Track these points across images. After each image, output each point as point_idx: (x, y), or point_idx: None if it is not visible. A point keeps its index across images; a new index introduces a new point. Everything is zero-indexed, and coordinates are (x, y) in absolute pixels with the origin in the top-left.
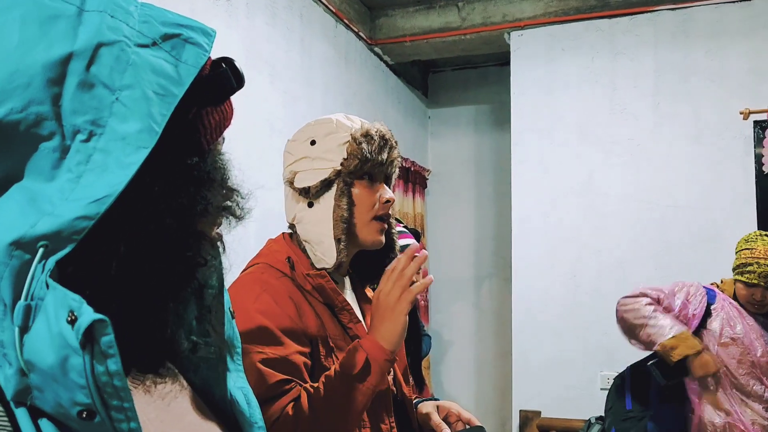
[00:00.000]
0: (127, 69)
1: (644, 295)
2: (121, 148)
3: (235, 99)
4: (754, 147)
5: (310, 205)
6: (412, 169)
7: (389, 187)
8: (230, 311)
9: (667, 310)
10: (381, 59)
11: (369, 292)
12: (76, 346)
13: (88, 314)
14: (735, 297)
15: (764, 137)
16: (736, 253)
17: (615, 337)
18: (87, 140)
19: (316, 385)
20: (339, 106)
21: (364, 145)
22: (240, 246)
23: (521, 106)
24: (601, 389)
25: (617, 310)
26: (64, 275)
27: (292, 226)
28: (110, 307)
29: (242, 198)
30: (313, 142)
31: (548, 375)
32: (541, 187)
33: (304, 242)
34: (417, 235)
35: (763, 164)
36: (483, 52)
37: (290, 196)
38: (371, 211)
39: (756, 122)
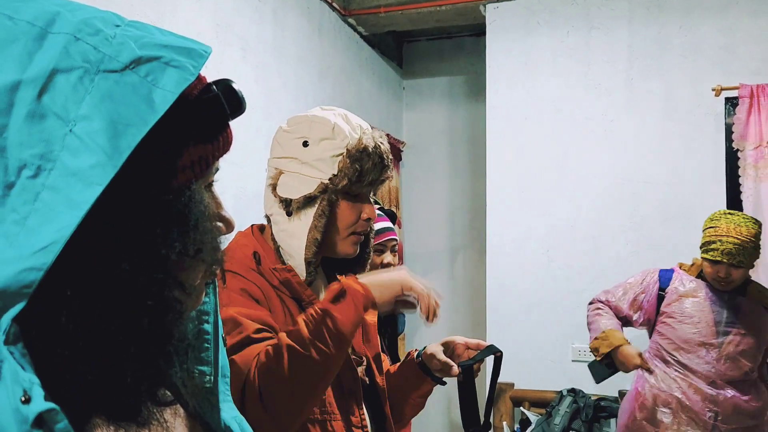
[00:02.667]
0: (85, 98)
1: (595, 301)
2: (71, 184)
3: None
4: (725, 123)
5: (289, 214)
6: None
7: (373, 196)
8: (223, 339)
9: (618, 310)
10: (355, 30)
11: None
12: (29, 427)
13: (38, 402)
14: (698, 274)
15: (735, 114)
16: (703, 231)
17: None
18: (34, 176)
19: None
20: (312, 79)
21: (357, 165)
22: None
23: (496, 80)
24: (573, 361)
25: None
26: (28, 331)
27: (267, 218)
28: (74, 364)
29: (216, 245)
30: (305, 143)
31: (521, 347)
32: (516, 161)
33: (279, 242)
34: (393, 216)
35: (732, 141)
36: (458, 23)
37: (269, 194)
38: (350, 227)
39: (727, 99)
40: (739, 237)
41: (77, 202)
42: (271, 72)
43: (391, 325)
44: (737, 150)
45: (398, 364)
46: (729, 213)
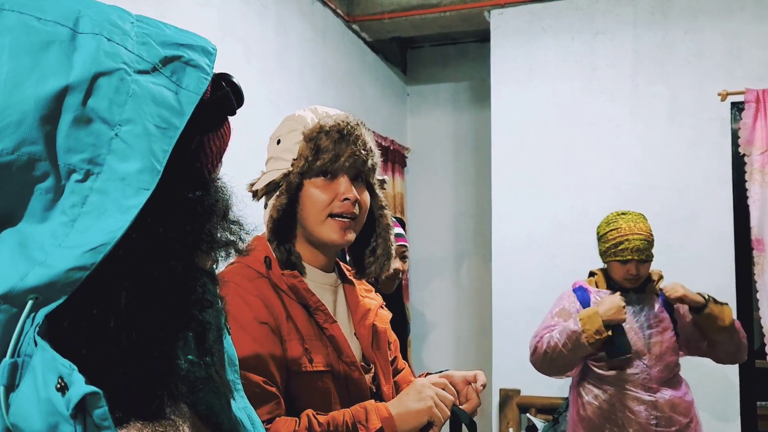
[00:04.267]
0: (127, 101)
1: (535, 337)
2: (120, 189)
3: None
4: (731, 128)
5: (266, 206)
6: (392, 147)
7: (367, 181)
8: (226, 327)
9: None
10: (359, 36)
11: (363, 284)
12: (67, 416)
13: (79, 385)
14: (608, 284)
15: (741, 118)
16: (600, 237)
17: None
18: (83, 180)
19: (321, 420)
20: (316, 84)
21: (312, 144)
22: None
23: (501, 86)
24: None
25: (536, 364)
26: (58, 328)
27: None
28: (107, 360)
29: (245, 231)
30: (278, 141)
31: (527, 353)
32: (521, 166)
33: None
34: (401, 223)
35: (739, 145)
36: (462, 29)
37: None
38: (325, 209)
39: (733, 104)
40: (642, 233)
41: (127, 206)
42: (274, 77)
43: (400, 328)
44: (743, 155)
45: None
46: (622, 213)
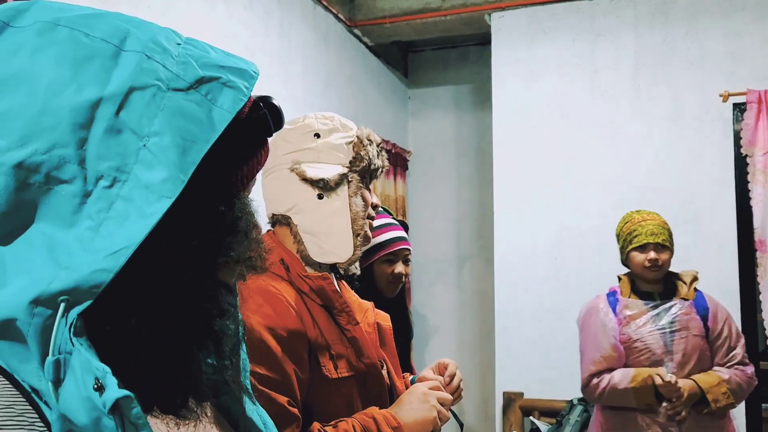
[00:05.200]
0: (157, 115)
1: (589, 376)
2: (144, 196)
3: None
4: (733, 129)
5: (320, 196)
6: (393, 151)
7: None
8: (243, 337)
9: (612, 354)
10: (360, 41)
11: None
12: (107, 413)
13: (112, 389)
14: (632, 288)
15: (743, 119)
16: (617, 236)
17: None
18: (110, 187)
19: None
20: (318, 89)
21: (368, 149)
22: None
23: (502, 88)
24: None
25: (591, 398)
26: (91, 328)
27: (283, 217)
28: (133, 358)
29: (264, 251)
30: (317, 135)
31: (531, 356)
32: (523, 169)
33: (304, 234)
34: (405, 227)
35: (741, 146)
36: (463, 32)
37: (291, 185)
38: (366, 211)
39: (735, 104)
40: (655, 220)
41: (148, 212)
42: (277, 82)
43: (403, 331)
44: (746, 156)
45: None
46: (636, 211)
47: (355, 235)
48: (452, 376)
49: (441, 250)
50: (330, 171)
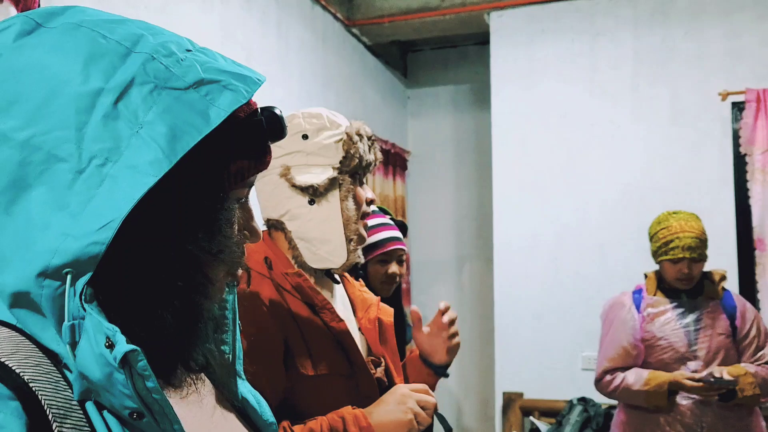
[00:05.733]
0: (152, 108)
1: (603, 372)
2: (131, 176)
3: None
4: (732, 128)
5: (311, 202)
6: (392, 151)
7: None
8: (239, 326)
9: (629, 352)
10: (359, 40)
11: (359, 284)
12: (117, 366)
13: (121, 345)
14: (659, 286)
15: (742, 118)
16: (651, 237)
17: (596, 318)
18: (102, 166)
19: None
20: (317, 89)
21: (358, 145)
22: None
23: (501, 87)
24: (583, 369)
25: (604, 393)
26: (99, 292)
27: (277, 222)
28: (133, 322)
29: (239, 254)
30: (305, 137)
31: (530, 356)
32: (522, 169)
33: (298, 240)
34: (404, 228)
35: (740, 145)
36: (462, 32)
37: (282, 191)
38: (361, 209)
39: (734, 103)
40: (694, 231)
41: (133, 189)
42: (275, 82)
43: (399, 332)
44: (745, 155)
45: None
46: (674, 213)
47: (348, 240)
48: (451, 321)
49: (440, 250)
50: (319, 175)
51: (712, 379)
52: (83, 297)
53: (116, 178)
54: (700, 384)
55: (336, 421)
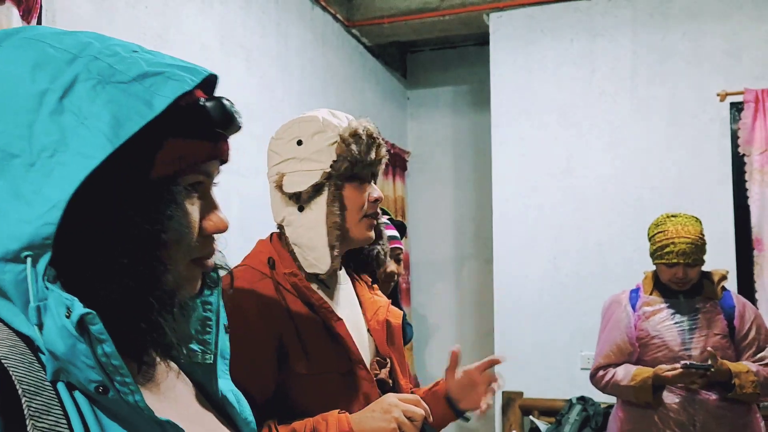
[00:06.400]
0: (96, 100)
1: (597, 368)
2: (77, 161)
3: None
4: (731, 128)
5: (301, 209)
6: (392, 151)
7: (375, 183)
8: (225, 327)
9: (622, 349)
10: (359, 41)
11: (367, 282)
12: (77, 334)
13: (78, 309)
14: (655, 285)
15: (740, 119)
16: (650, 239)
17: (595, 318)
18: (51, 156)
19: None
20: (316, 90)
21: (353, 146)
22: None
23: (501, 88)
24: (582, 369)
25: (597, 388)
26: (64, 275)
27: (280, 226)
28: (95, 302)
29: (192, 238)
30: (299, 142)
31: (530, 356)
32: (522, 169)
33: (293, 246)
34: (402, 228)
35: (739, 145)
36: (462, 32)
37: (278, 199)
38: (361, 211)
39: (732, 104)
40: (689, 236)
41: (78, 171)
42: (275, 83)
43: None
44: (743, 155)
45: (426, 389)
46: (672, 215)
47: (331, 246)
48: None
49: (440, 250)
50: (306, 182)
51: (688, 363)
52: (46, 278)
53: (64, 165)
54: (678, 371)
55: (320, 423)
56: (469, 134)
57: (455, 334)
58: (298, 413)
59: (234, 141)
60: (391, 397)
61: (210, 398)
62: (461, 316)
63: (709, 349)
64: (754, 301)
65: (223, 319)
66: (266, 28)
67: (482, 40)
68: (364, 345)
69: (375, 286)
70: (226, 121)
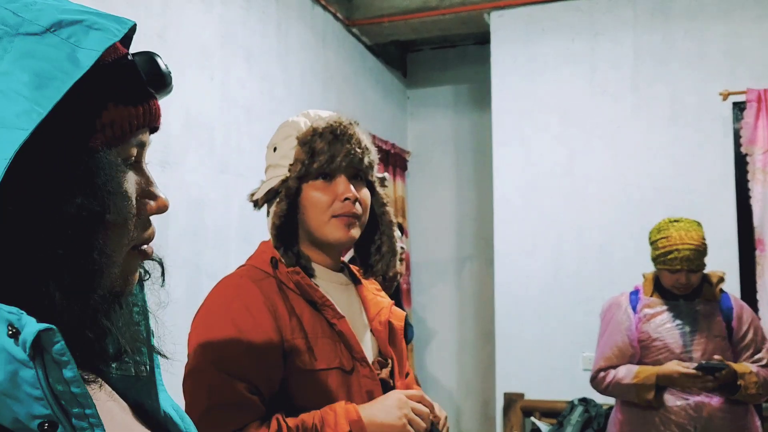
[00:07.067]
0: (4, 56)
1: (597, 370)
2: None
3: (213, 87)
4: (733, 128)
5: (267, 214)
6: (392, 151)
7: (368, 179)
8: (152, 332)
9: (623, 351)
10: (359, 40)
11: (373, 284)
12: (25, 359)
13: (31, 325)
14: (655, 287)
15: (743, 118)
16: (651, 244)
17: (596, 318)
18: None
19: (290, 423)
20: (317, 89)
21: (307, 147)
22: (221, 233)
23: (501, 87)
24: (584, 370)
25: (598, 390)
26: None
27: None
28: (23, 306)
29: (133, 217)
30: (275, 149)
31: (531, 357)
32: (522, 168)
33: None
34: (400, 228)
35: (741, 145)
36: (462, 31)
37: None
38: (327, 211)
39: (735, 103)
40: (692, 242)
41: (5, 146)
42: (275, 82)
43: None
44: (746, 154)
45: None
46: (675, 220)
47: (276, 248)
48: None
49: (441, 251)
50: (264, 188)
51: (703, 363)
52: None
53: None
54: (691, 371)
55: (327, 413)
56: (469, 134)
57: (456, 335)
58: (302, 410)
59: (234, 141)
60: (398, 393)
61: (149, 418)
62: (462, 316)
63: (716, 357)
64: (756, 301)
65: (151, 322)
66: (267, 28)
67: (483, 39)
68: (366, 345)
69: (380, 288)
70: (160, 81)
